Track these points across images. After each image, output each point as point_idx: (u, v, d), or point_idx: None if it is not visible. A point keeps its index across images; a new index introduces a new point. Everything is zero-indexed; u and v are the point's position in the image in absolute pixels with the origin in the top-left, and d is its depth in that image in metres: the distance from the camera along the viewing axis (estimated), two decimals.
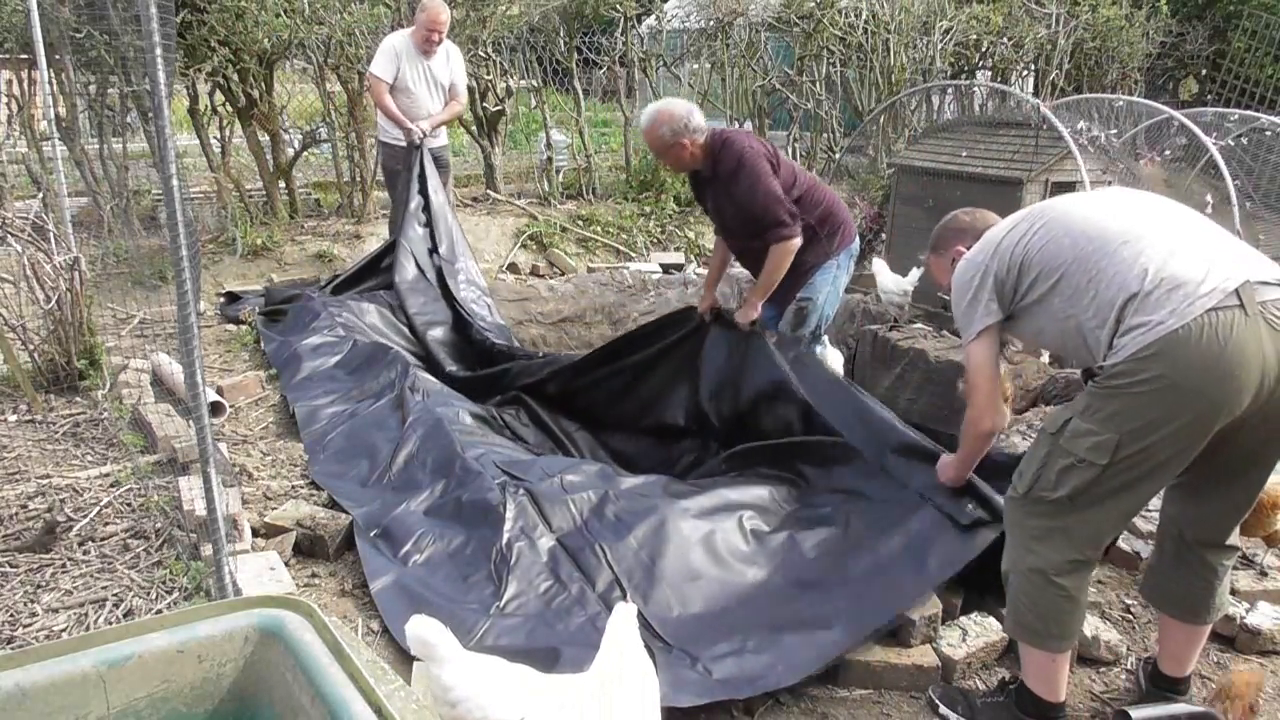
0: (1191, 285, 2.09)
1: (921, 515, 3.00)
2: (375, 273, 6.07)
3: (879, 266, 5.93)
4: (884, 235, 7.12)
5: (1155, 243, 2.18)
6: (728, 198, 4.04)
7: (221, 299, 6.18)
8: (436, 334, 5.35)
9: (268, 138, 7.40)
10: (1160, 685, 2.54)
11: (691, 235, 8.16)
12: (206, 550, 2.84)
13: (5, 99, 7.41)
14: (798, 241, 3.96)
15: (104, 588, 2.91)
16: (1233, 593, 3.04)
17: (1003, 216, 2.62)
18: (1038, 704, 2.40)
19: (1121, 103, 7.74)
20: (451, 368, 5.04)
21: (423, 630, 1.94)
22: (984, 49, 10.17)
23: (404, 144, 6.05)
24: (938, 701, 2.56)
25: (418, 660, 2.50)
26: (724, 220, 4.25)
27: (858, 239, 4.31)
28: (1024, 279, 2.36)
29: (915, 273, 5.70)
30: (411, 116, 6.00)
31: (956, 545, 2.85)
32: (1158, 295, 2.12)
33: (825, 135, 9.52)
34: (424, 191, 5.98)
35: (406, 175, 5.98)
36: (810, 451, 3.61)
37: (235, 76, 6.99)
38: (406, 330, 5.45)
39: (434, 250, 5.94)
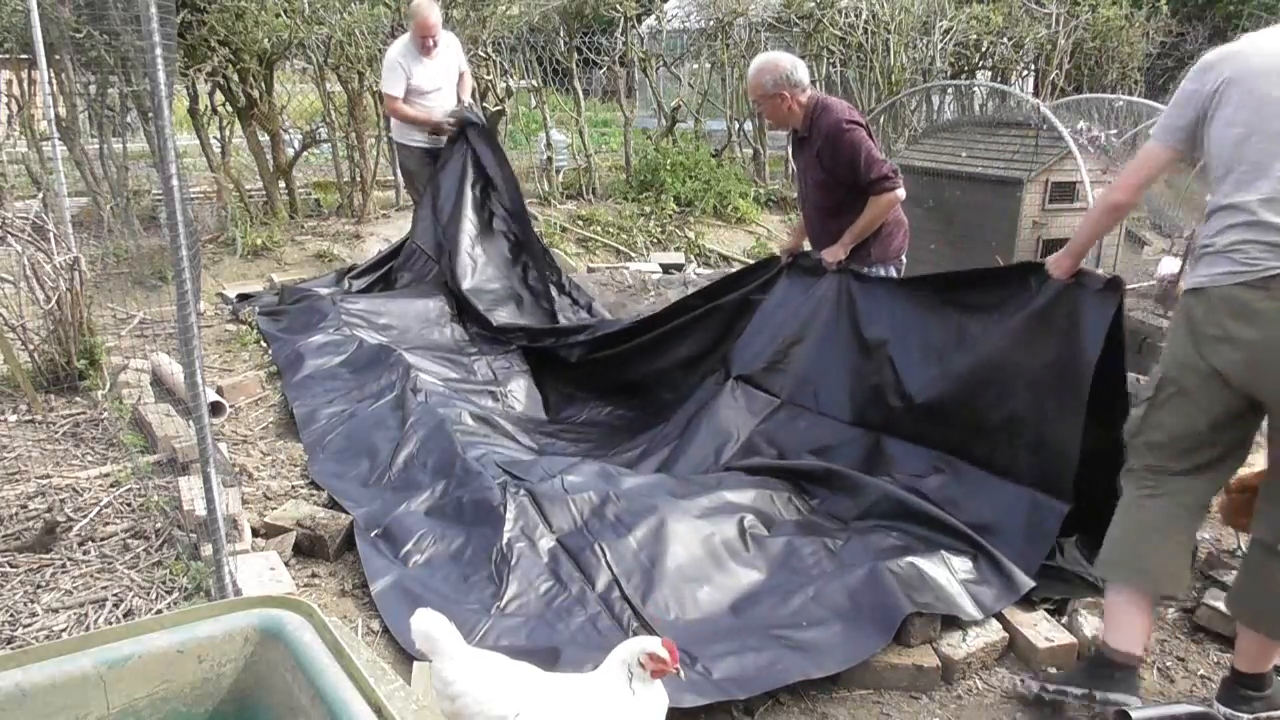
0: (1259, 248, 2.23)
1: (932, 558, 2.97)
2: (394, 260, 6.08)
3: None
4: None
5: None
6: (816, 162, 4.01)
7: (235, 300, 6.18)
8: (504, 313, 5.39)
9: (268, 138, 7.40)
10: (1243, 684, 2.51)
11: (691, 235, 8.16)
12: (206, 550, 2.84)
13: (5, 99, 7.41)
14: (901, 193, 3.91)
15: (104, 588, 2.91)
16: None
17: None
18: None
19: (1121, 103, 7.74)
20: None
21: (428, 624, 1.96)
22: (984, 49, 10.16)
23: (420, 145, 6.07)
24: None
25: (418, 660, 2.51)
26: (806, 186, 4.21)
27: (905, 257, 4.21)
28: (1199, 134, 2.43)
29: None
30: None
31: (954, 591, 2.85)
32: (1225, 245, 2.27)
33: None
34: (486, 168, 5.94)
35: (459, 160, 5.91)
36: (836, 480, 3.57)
37: (235, 76, 6.98)
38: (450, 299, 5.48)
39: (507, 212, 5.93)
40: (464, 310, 5.45)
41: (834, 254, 4.04)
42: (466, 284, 5.50)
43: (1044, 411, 3.14)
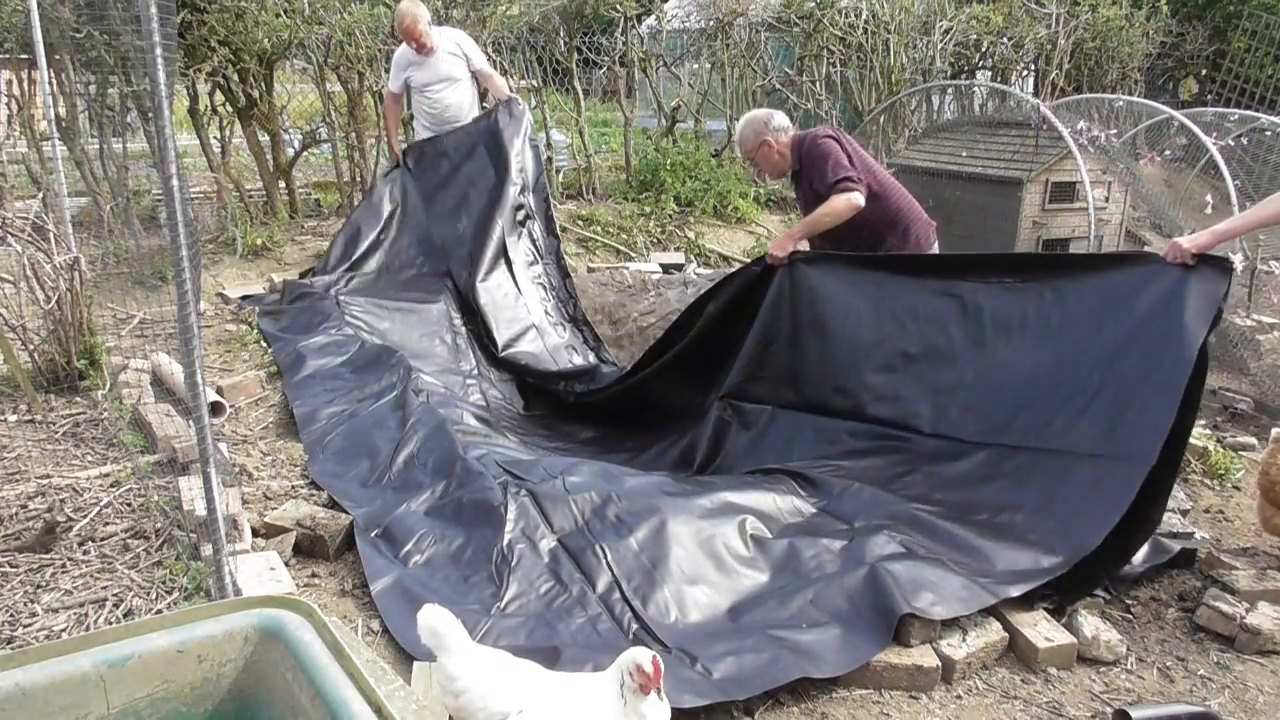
0: None
1: (933, 562, 2.98)
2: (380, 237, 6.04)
3: None
4: None
5: None
6: (810, 188, 4.12)
7: (239, 300, 6.19)
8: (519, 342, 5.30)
9: (268, 138, 7.39)
10: None
11: (691, 235, 8.15)
12: (206, 550, 2.84)
13: (5, 99, 7.41)
14: (858, 199, 3.93)
15: (104, 588, 2.91)
16: (1232, 593, 3.05)
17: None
18: None
19: (1121, 103, 7.74)
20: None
21: (434, 620, 1.97)
22: (984, 49, 10.16)
23: (444, 133, 6.12)
24: None
25: (418, 660, 2.51)
26: (805, 213, 4.30)
27: (933, 251, 4.25)
28: None
29: None
30: (440, 118, 6.12)
31: (957, 591, 2.84)
32: None
33: None
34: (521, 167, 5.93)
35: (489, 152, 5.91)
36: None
37: (235, 76, 6.98)
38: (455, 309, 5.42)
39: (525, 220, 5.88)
40: (472, 319, 5.42)
41: (782, 246, 4.08)
42: (484, 297, 5.42)
43: (1128, 385, 3.09)
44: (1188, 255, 3.02)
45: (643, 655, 1.99)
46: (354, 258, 6.02)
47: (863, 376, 3.76)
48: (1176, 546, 3.26)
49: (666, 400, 4.41)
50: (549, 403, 4.92)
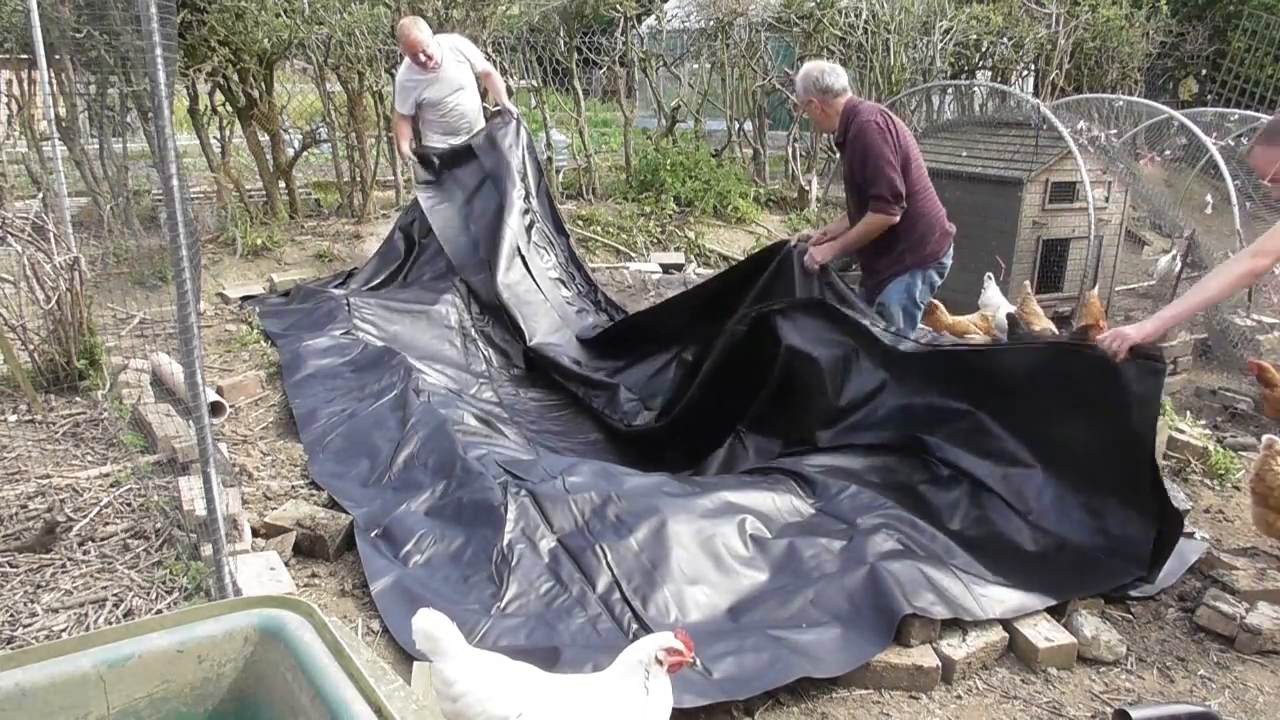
0: None
1: (934, 562, 3.00)
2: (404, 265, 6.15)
3: (992, 290, 5.53)
4: None
5: None
6: (851, 172, 4.13)
7: (239, 299, 6.22)
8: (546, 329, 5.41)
9: (268, 138, 7.39)
10: None
11: (691, 235, 8.15)
12: (206, 550, 2.84)
13: (5, 99, 7.40)
14: (891, 219, 3.96)
15: (104, 588, 2.91)
16: (1232, 593, 3.05)
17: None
18: None
19: (1121, 103, 7.74)
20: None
21: (429, 624, 1.97)
22: (984, 49, 10.16)
23: (437, 147, 6.17)
24: None
25: (418, 660, 2.51)
26: (845, 189, 4.38)
27: (948, 259, 4.26)
28: None
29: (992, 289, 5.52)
30: (454, 127, 6.17)
31: (957, 597, 2.84)
32: None
33: (826, 135, 9.51)
34: (525, 177, 6.03)
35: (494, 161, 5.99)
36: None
37: (235, 76, 6.98)
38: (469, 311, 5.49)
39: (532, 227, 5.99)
40: (493, 315, 5.46)
41: (823, 254, 4.08)
42: (507, 294, 5.48)
43: (1100, 482, 3.19)
44: (1124, 349, 2.97)
45: (665, 638, 2.03)
46: (373, 284, 6.11)
47: (855, 428, 3.80)
48: (1174, 580, 3.19)
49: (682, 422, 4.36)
50: (567, 395, 4.93)
